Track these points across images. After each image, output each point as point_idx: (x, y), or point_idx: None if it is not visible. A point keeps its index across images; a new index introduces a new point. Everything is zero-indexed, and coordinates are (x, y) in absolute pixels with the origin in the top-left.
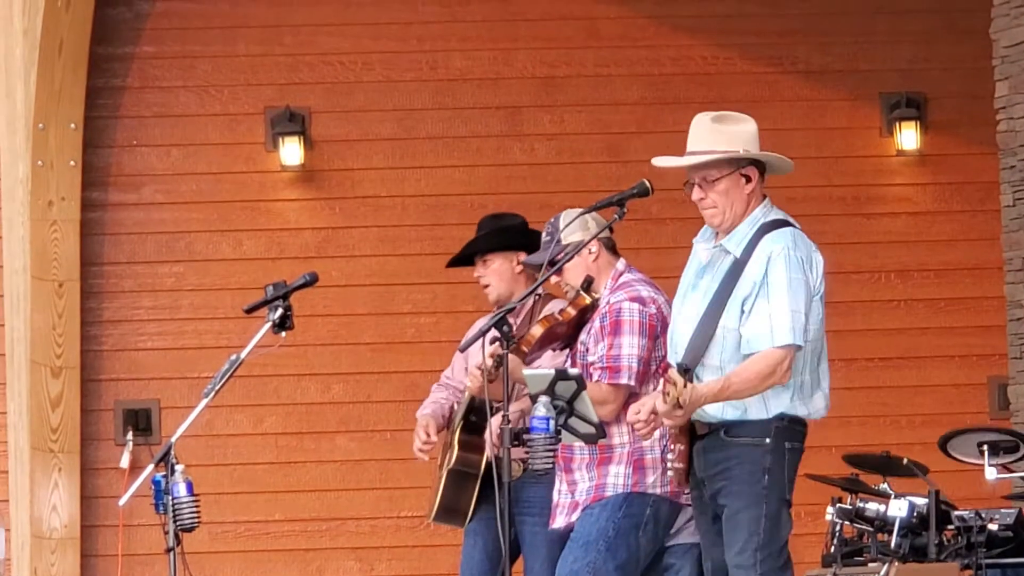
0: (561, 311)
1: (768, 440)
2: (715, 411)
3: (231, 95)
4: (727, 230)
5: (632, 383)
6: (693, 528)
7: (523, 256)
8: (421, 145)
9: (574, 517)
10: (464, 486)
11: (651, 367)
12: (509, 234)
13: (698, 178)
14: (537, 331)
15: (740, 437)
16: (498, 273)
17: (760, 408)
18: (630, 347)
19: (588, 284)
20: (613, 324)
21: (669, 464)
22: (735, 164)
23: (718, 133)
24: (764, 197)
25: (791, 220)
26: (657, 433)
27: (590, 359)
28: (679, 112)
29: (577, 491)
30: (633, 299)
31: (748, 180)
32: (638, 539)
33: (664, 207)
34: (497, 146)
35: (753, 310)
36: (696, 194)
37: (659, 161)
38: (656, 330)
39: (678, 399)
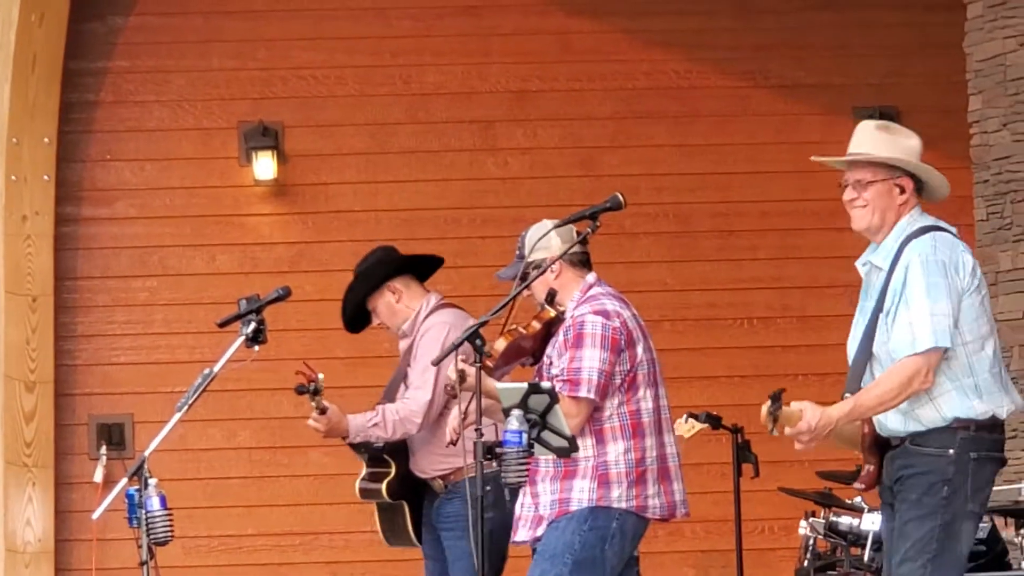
0: (526, 325)
1: (952, 451)
2: (896, 425)
3: (204, 109)
4: (873, 237)
5: (592, 396)
6: None
7: (392, 284)
8: (394, 159)
9: (539, 531)
10: (392, 511)
11: (615, 381)
12: (365, 278)
13: (853, 179)
14: (501, 345)
15: (924, 447)
16: (384, 312)
17: (934, 415)
18: (591, 360)
19: (552, 297)
20: (576, 337)
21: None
22: (891, 172)
23: (882, 141)
24: (915, 207)
25: (941, 224)
26: (621, 447)
27: (553, 372)
28: (652, 126)
29: (541, 504)
30: (597, 312)
31: (902, 191)
32: (604, 552)
33: (637, 221)
34: (470, 160)
35: (896, 320)
36: (848, 194)
37: (818, 157)
38: (619, 344)
39: (774, 422)
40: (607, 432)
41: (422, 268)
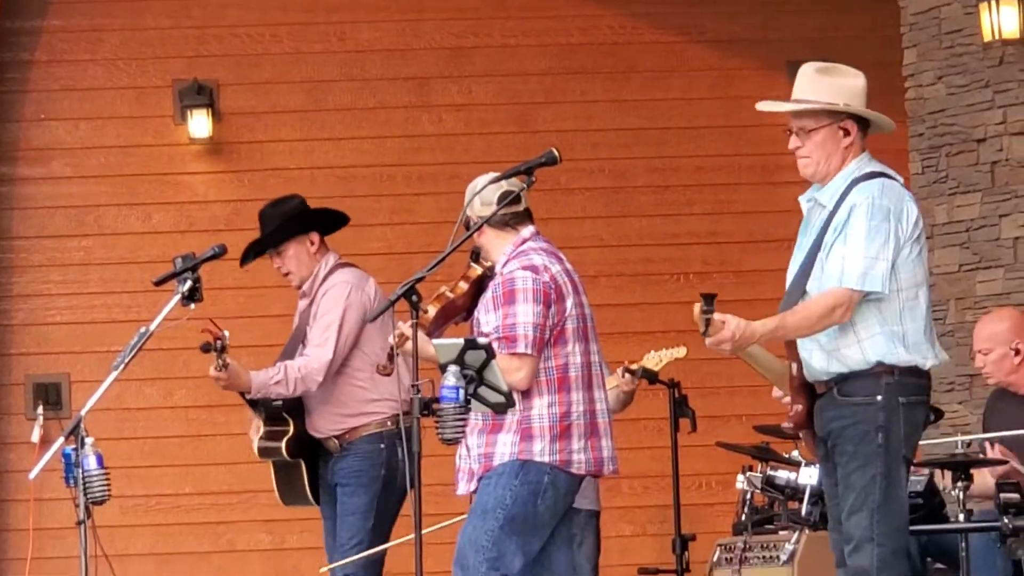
0: (453, 287)
1: (880, 397)
2: (820, 365)
3: (139, 68)
4: (820, 181)
5: (530, 351)
6: (593, 496)
7: (314, 236)
8: (329, 116)
9: (472, 485)
10: (289, 469)
11: (547, 334)
12: (295, 220)
13: (796, 127)
14: (432, 312)
15: (851, 396)
16: (296, 259)
17: (858, 357)
18: (525, 315)
19: (476, 255)
20: (507, 294)
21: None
22: (834, 117)
23: (822, 84)
24: (863, 151)
25: (888, 172)
26: (546, 401)
27: (485, 329)
28: (587, 82)
29: (472, 457)
30: (526, 268)
31: (846, 134)
32: (536, 506)
33: (572, 177)
34: (405, 117)
35: (830, 254)
36: (793, 142)
37: (763, 105)
38: (550, 297)
39: (707, 326)
40: (532, 386)
41: (329, 225)
